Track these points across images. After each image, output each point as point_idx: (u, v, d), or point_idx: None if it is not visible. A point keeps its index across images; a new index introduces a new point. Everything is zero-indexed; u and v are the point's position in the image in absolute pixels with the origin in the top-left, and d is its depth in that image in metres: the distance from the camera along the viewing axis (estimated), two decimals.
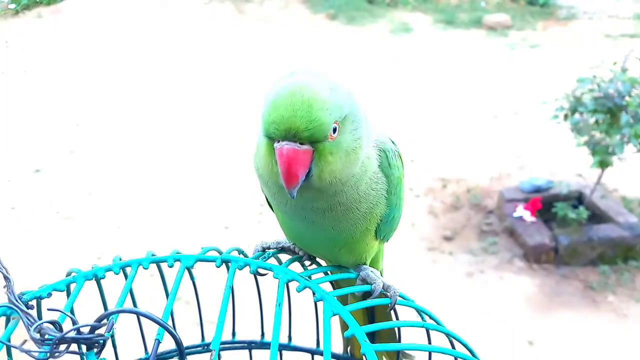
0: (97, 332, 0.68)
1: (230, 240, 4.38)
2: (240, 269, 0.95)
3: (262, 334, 1.19)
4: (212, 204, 5.08)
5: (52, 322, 0.69)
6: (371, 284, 0.95)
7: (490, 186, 5.24)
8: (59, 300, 0.83)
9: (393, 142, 0.96)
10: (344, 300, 1.03)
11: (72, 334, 0.67)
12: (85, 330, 0.68)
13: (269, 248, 1.04)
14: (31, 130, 6.56)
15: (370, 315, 1.12)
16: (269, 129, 0.78)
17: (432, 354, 0.94)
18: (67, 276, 0.91)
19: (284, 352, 1.17)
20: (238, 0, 11.18)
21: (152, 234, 4.62)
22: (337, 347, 1.12)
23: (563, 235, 4.28)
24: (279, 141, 0.78)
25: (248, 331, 1.20)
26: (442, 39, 9.70)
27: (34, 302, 0.84)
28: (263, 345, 1.18)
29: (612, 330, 3.67)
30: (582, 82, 4.16)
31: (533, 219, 4.48)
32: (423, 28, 10.23)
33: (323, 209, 0.87)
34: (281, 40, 9.49)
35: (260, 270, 0.96)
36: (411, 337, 0.99)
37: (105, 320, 0.68)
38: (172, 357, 1.10)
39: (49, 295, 0.87)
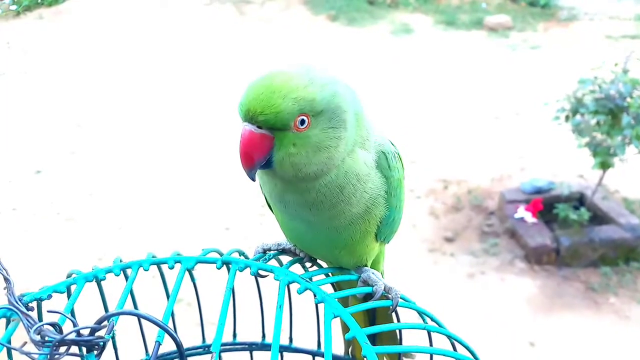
0: (97, 334, 0.68)
1: (231, 241, 4.39)
2: (241, 270, 0.95)
3: (263, 336, 1.19)
4: (213, 205, 5.08)
5: (52, 324, 0.68)
6: (372, 286, 0.95)
7: (491, 187, 5.23)
8: (59, 301, 0.83)
9: (393, 144, 0.96)
10: (345, 302, 1.03)
11: (72, 336, 0.67)
12: (86, 332, 0.68)
13: (269, 250, 1.04)
14: (32, 131, 6.56)
15: (372, 317, 1.12)
16: (237, 108, 0.81)
17: (434, 356, 0.94)
18: (67, 278, 0.91)
19: (285, 353, 1.17)
20: (239, 1, 11.20)
21: (153, 235, 4.62)
22: (338, 349, 1.11)
23: (564, 237, 4.27)
24: (243, 122, 0.80)
25: (249, 333, 1.20)
26: (443, 40, 9.70)
27: (34, 304, 0.84)
28: (264, 346, 1.18)
29: (613, 332, 3.66)
30: (584, 83, 4.15)
31: (534, 220, 4.48)
32: (424, 29, 10.24)
33: (307, 204, 0.87)
34: (282, 41, 9.50)
35: (261, 272, 0.96)
36: (412, 339, 0.98)
37: (105, 322, 0.68)
38: (173, 359, 1.10)
39: (49, 296, 0.86)
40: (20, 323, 0.74)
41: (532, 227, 4.43)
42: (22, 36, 9.48)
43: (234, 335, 1.17)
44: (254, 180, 0.83)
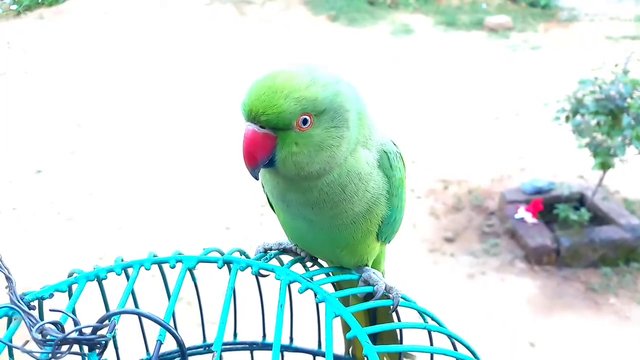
0: (99, 332, 0.68)
1: (231, 241, 4.39)
2: (242, 270, 0.95)
3: (264, 335, 1.19)
4: (214, 204, 5.08)
5: (54, 323, 0.68)
6: (373, 286, 0.95)
7: (491, 187, 5.23)
8: (60, 301, 0.83)
9: (394, 144, 0.96)
10: (345, 301, 1.03)
11: (74, 335, 0.67)
12: (87, 331, 0.68)
13: (270, 249, 1.04)
14: (32, 131, 6.57)
15: (372, 316, 1.12)
16: (240, 108, 0.82)
17: (434, 355, 0.94)
18: (68, 277, 0.91)
19: (285, 353, 1.17)
20: (239, 2, 11.20)
21: (154, 234, 4.62)
22: (339, 348, 1.12)
23: (564, 237, 4.27)
24: (246, 122, 0.81)
25: (250, 332, 1.21)
26: (443, 41, 9.70)
27: (35, 303, 0.84)
28: (265, 346, 1.18)
29: (613, 333, 3.66)
30: (584, 83, 4.16)
31: (534, 220, 4.48)
32: (424, 29, 10.24)
33: (309, 204, 0.87)
34: (282, 41, 9.50)
35: (262, 272, 0.96)
36: (413, 338, 0.99)
37: (107, 321, 0.68)
38: (174, 358, 1.10)
39: (51, 295, 0.87)
40: (22, 322, 0.74)
41: (533, 228, 4.43)
42: (23, 36, 9.48)
43: (235, 335, 1.17)
44: (257, 179, 0.83)
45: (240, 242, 4.39)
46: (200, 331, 1.18)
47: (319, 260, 1.05)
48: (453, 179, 5.41)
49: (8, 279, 0.79)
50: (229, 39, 9.65)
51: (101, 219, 4.89)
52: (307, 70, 0.81)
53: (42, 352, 0.67)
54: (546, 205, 4.54)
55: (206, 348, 1.14)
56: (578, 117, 4.17)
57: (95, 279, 0.92)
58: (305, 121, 0.79)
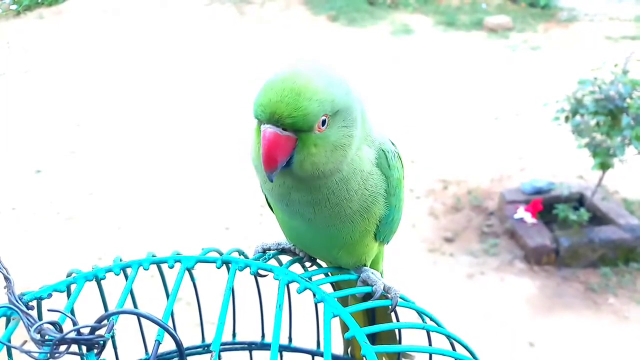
0: (97, 332, 0.68)
1: (231, 241, 4.39)
2: (241, 270, 0.95)
3: (263, 335, 1.19)
4: (213, 204, 5.08)
5: (53, 323, 0.69)
6: (372, 286, 0.95)
7: (491, 188, 5.24)
8: (59, 301, 0.83)
9: (393, 143, 0.96)
10: (344, 301, 1.03)
11: (72, 335, 0.67)
12: (86, 331, 0.68)
13: (269, 249, 1.04)
14: (32, 130, 6.57)
15: (371, 316, 1.12)
16: (257, 110, 0.79)
17: (433, 355, 0.94)
18: (67, 277, 0.91)
19: (284, 353, 1.17)
20: (239, 2, 11.20)
21: (154, 234, 4.62)
22: (338, 348, 1.12)
23: (564, 237, 4.28)
24: (265, 124, 0.79)
25: (249, 332, 1.20)
26: (443, 41, 9.70)
27: (34, 303, 0.84)
28: (263, 346, 1.18)
29: (612, 332, 3.66)
30: (583, 84, 4.16)
31: (534, 220, 4.48)
32: (424, 30, 10.24)
33: (311, 203, 0.87)
34: (282, 41, 9.50)
35: (261, 272, 0.96)
36: (412, 338, 0.99)
37: (105, 321, 0.68)
38: (172, 358, 1.10)
39: (50, 295, 0.87)
40: (21, 322, 0.74)
41: (532, 228, 4.43)
42: (23, 36, 9.48)
43: (234, 335, 1.17)
44: (272, 181, 0.81)
45: (240, 242, 4.39)
46: (199, 331, 1.18)
47: (318, 261, 1.05)
48: (452, 179, 5.41)
49: (6, 278, 0.79)
50: (228, 39, 9.65)
51: (101, 219, 4.89)
52: (321, 69, 0.81)
53: (40, 352, 0.67)
54: (546, 206, 4.55)
55: (205, 348, 1.14)
56: (577, 118, 4.17)
57: (94, 279, 0.92)
58: (323, 122, 0.80)
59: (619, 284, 4.07)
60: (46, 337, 0.67)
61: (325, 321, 0.80)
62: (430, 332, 0.91)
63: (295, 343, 1.17)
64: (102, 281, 0.94)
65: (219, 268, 0.97)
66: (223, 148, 5.97)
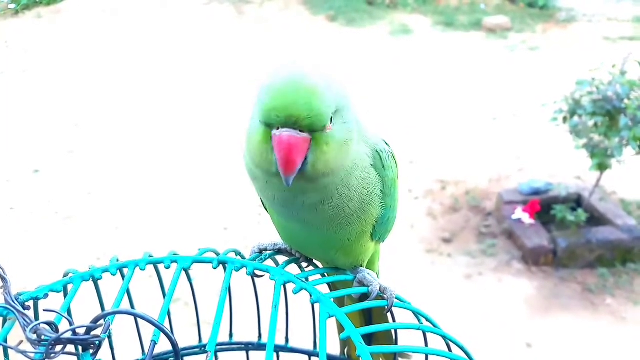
0: (93, 333, 0.68)
1: (229, 241, 4.39)
2: (237, 270, 0.95)
3: (260, 336, 1.19)
4: (211, 205, 5.08)
5: (49, 323, 0.69)
6: (368, 286, 0.95)
7: (489, 188, 5.24)
8: (56, 301, 0.83)
9: (387, 143, 0.97)
10: (340, 302, 1.03)
11: (68, 335, 0.67)
12: (82, 331, 0.68)
13: (266, 250, 1.04)
14: (30, 130, 6.56)
15: (367, 317, 1.12)
16: (270, 115, 0.77)
17: (429, 356, 0.94)
18: (64, 277, 0.91)
19: (281, 353, 1.17)
20: (238, 1, 11.19)
21: (152, 235, 4.61)
22: (334, 349, 1.12)
23: (561, 238, 4.28)
24: (277, 128, 0.77)
25: (245, 332, 1.20)
26: (442, 41, 9.71)
27: (30, 303, 0.84)
28: (260, 346, 1.18)
29: (610, 333, 3.67)
30: (581, 84, 4.16)
31: (532, 221, 4.48)
32: (422, 30, 10.24)
33: (314, 204, 0.86)
34: (281, 41, 9.50)
35: (257, 272, 0.96)
36: (408, 339, 0.99)
37: (101, 321, 0.68)
38: (168, 359, 1.10)
39: (46, 296, 0.87)
40: (17, 322, 0.74)
41: (530, 228, 4.43)
42: (21, 35, 9.46)
43: (230, 335, 1.17)
44: (289, 185, 0.79)
45: (239, 242, 4.39)
46: (195, 331, 1.18)
47: (314, 261, 1.05)
48: (451, 179, 5.41)
49: (3, 278, 0.79)
50: (227, 38, 9.64)
51: (99, 219, 4.88)
52: (318, 69, 0.82)
53: (36, 352, 0.67)
54: (543, 206, 4.55)
55: (201, 348, 1.14)
56: (575, 118, 4.18)
57: (91, 279, 0.92)
58: (331, 120, 0.80)
59: (616, 285, 4.08)
60: (42, 337, 0.67)
61: (321, 322, 0.80)
62: (426, 333, 0.92)
63: (292, 343, 1.17)
64: (98, 281, 0.94)
65: (215, 268, 0.97)
66: (221, 148, 5.97)
